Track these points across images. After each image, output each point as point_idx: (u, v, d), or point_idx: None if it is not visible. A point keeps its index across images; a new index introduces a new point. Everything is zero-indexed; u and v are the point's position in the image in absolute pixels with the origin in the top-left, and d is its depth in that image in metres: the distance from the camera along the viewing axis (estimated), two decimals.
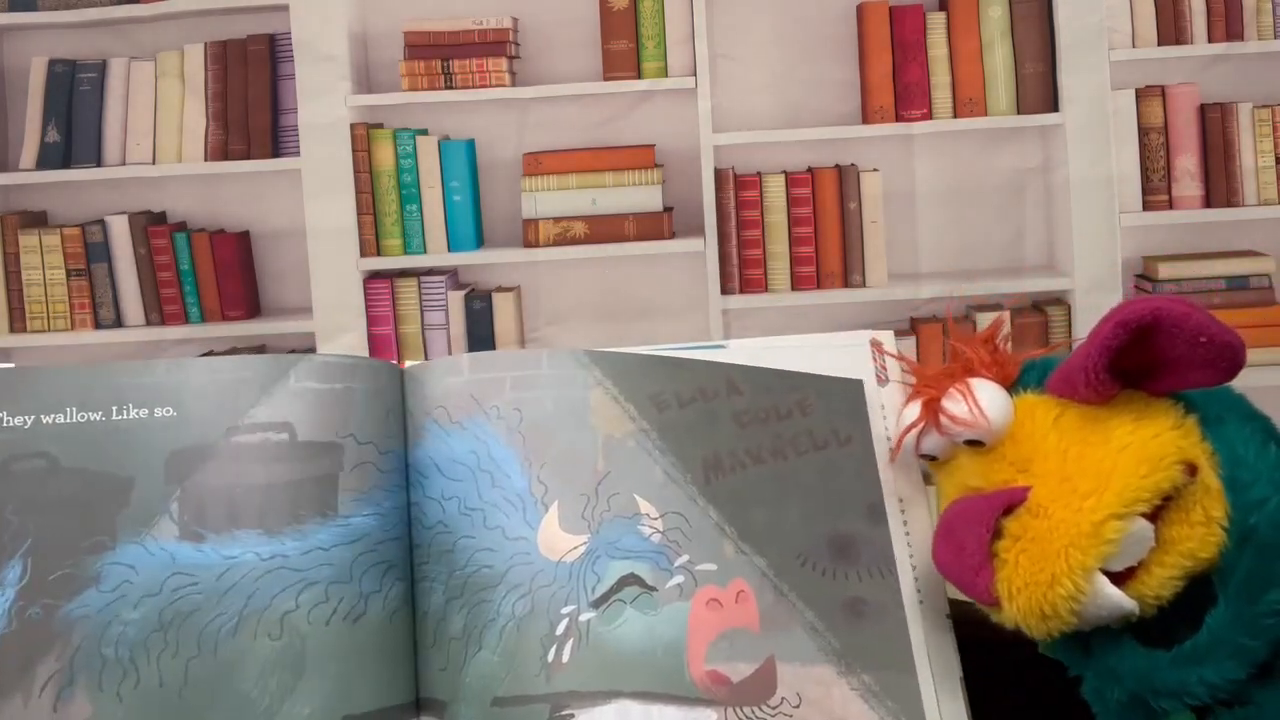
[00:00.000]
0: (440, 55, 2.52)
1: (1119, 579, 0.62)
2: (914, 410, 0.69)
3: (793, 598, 0.67)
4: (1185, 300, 0.62)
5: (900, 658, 0.66)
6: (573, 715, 0.63)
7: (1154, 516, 0.62)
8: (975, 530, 0.63)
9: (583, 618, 0.65)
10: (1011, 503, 0.64)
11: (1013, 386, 0.68)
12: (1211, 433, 0.64)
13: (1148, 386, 0.65)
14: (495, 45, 2.52)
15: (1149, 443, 0.62)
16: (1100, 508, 0.61)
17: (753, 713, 0.63)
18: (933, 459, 0.70)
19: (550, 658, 0.64)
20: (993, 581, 0.62)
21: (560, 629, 0.64)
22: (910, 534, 0.71)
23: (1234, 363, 0.61)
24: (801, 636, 0.66)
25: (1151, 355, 0.63)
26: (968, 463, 0.68)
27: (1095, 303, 2.41)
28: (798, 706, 0.64)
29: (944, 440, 0.68)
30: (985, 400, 0.66)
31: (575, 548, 0.67)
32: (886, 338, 0.76)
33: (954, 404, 0.67)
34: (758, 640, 0.65)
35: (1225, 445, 0.63)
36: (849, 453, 0.72)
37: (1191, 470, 0.62)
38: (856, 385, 0.74)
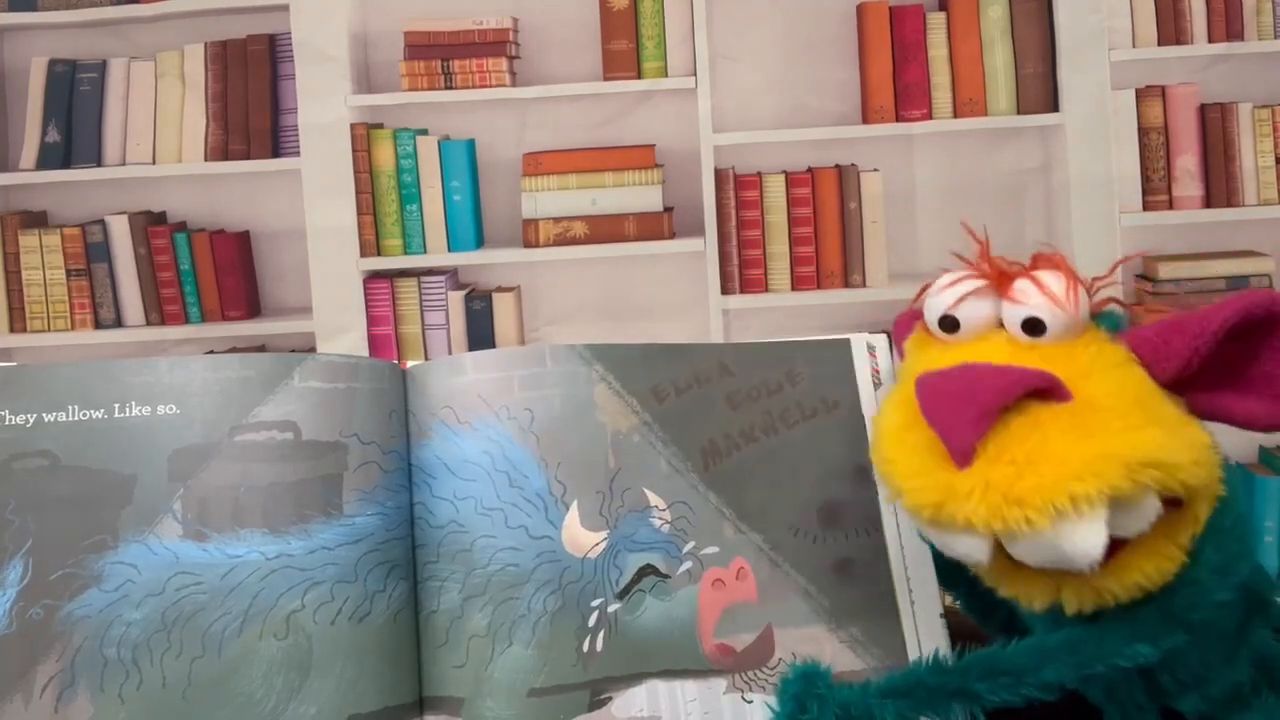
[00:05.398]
0: (440, 55, 2.52)
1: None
2: (968, 282, 0.64)
3: (786, 567, 0.71)
4: None
5: (885, 607, 0.70)
6: (610, 699, 0.67)
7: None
8: (1012, 379, 0.58)
9: (610, 609, 0.69)
10: (1056, 392, 0.59)
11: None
12: (1226, 478, 0.61)
13: (1195, 400, 0.61)
14: (495, 45, 2.52)
15: (1197, 437, 0.59)
16: (1154, 451, 0.56)
17: (754, 675, 0.68)
18: (952, 327, 0.65)
19: (585, 648, 0.68)
20: (982, 438, 0.57)
21: (592, 621, 0.68)
22: None
23: None
24: (796, 601, 0.70)
25: (1231, 360, 0.59)
26: (990, 348, 0.63)
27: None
28: (794, 660, 0.68)
29: (992, 312, 0.64)
30: (1080, 293, 0.62)
31: (597, 544, 0.70)
32: (879, 341, 0.78)
33: (1054, 279, 0.62)
34: (757, 611, 0.70)
35: (1227, 504, 0.60)
36: (837, 418, 0.75)
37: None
38: (844, 345, 0.77)
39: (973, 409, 0.58)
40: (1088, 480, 0.55)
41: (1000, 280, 0.64)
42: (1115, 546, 0.58)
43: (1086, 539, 0.55)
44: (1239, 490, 0.62)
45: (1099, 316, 0.65)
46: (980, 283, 0.64)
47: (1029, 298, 0.62)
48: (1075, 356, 0.62)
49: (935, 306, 0.66)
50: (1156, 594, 0.60)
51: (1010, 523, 0.56)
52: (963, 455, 0.57)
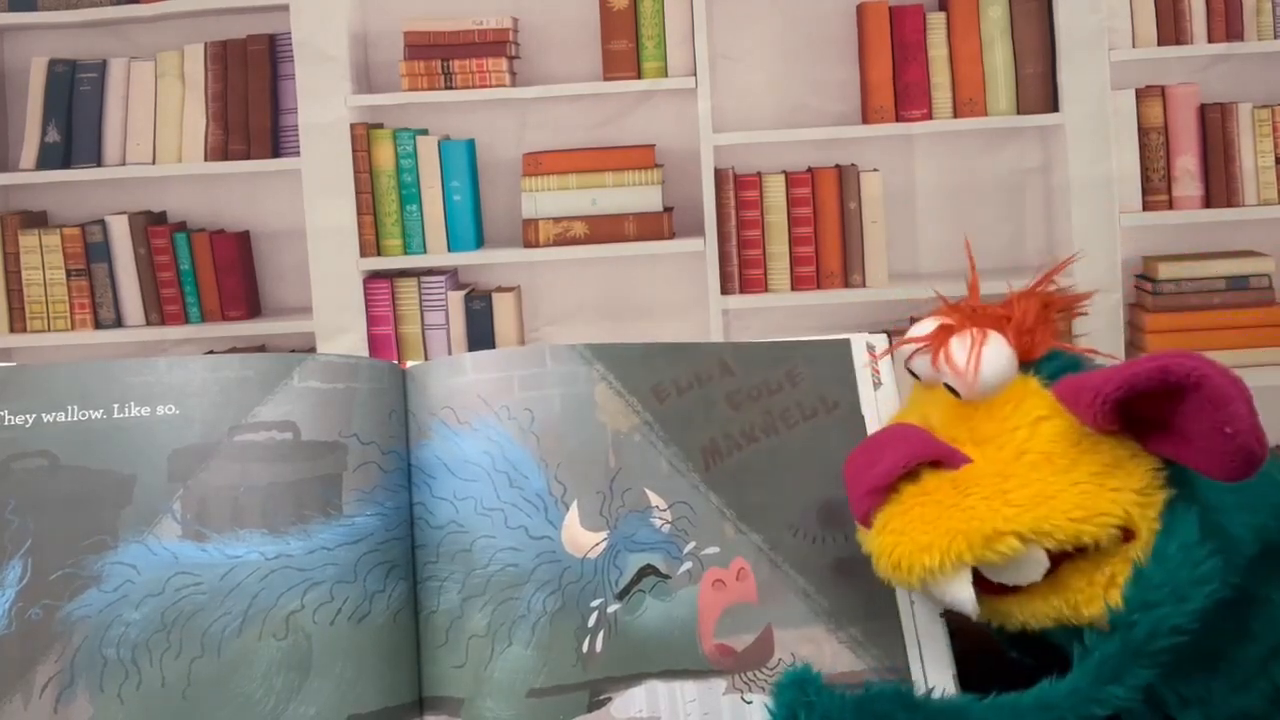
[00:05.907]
0: (440, 55, 2.52)
1: (1003, 588, 0.63)
2: (927, 327, 0.68)
3: (786, 568, 0.71)
4: (1239, 383, 0.57)
5: (884, 607, 0.70)
6: (610, 699, 0.67)
7: (1064, 555, 0.61)
8: (898, 456, 0.64)
9: (610, 609, 0.69)
10: (947, 461, 0.64)
11: (1028, 365, 0.66)
12: (1170, 514, 0.61)
13: (1150, 441, 0.61)
14: (495, 45, 2.52)
15: (1102, 494, 0.61)
16: (1011, 521, 0.60)
17: (754, 676, 0.68)
18: (916, 376, 0.70)
19: (585, 649, 0.68)
20: (878, 507, 0.64)
21: (591, 621, 0.68)
22: None
23: (1245, 468, 0.57)
24: (795, 602, 0.70)
25: (1170, 415, 0.59)
26: (939, 400, 0.67)
27: (1095, 303, 2.41)
28: (793, 665, 0.68)
29: (930, 371, 0.68)
30: (988, 361, 0.65)
31: (597, 544, 0.70)
32: (879, 341, 0.78)
33: (959, 347, 0.66)
34: (757, 611, 0.70)
35: (1169, 535, 0.61)
36: (837, 418, 0.75)
37: (1127, 536, 0.61)
38: (844, 345, 0.77)
39: (867, 483, 0.64)
40: (934, 554, 0.61)
41: (937, 341, 0.67)
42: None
43: (955, 596, 0.62)
44: (1192, 522, 0.61)
45: (1052, 358, 0.67)
46: (919, 345, 0.68)
47: (943, 366, 0.66)
48: (993, 415, 0.65)
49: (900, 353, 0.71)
50: (1117, 626, 0.61)
51: (896, 582, 0.64)
52: (862, 521, 0.65)
